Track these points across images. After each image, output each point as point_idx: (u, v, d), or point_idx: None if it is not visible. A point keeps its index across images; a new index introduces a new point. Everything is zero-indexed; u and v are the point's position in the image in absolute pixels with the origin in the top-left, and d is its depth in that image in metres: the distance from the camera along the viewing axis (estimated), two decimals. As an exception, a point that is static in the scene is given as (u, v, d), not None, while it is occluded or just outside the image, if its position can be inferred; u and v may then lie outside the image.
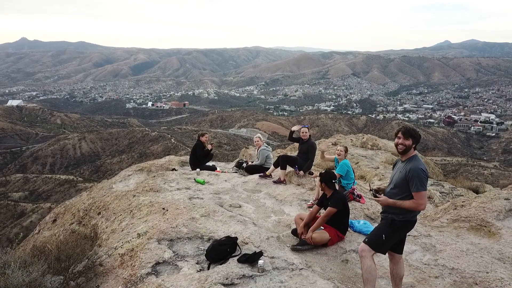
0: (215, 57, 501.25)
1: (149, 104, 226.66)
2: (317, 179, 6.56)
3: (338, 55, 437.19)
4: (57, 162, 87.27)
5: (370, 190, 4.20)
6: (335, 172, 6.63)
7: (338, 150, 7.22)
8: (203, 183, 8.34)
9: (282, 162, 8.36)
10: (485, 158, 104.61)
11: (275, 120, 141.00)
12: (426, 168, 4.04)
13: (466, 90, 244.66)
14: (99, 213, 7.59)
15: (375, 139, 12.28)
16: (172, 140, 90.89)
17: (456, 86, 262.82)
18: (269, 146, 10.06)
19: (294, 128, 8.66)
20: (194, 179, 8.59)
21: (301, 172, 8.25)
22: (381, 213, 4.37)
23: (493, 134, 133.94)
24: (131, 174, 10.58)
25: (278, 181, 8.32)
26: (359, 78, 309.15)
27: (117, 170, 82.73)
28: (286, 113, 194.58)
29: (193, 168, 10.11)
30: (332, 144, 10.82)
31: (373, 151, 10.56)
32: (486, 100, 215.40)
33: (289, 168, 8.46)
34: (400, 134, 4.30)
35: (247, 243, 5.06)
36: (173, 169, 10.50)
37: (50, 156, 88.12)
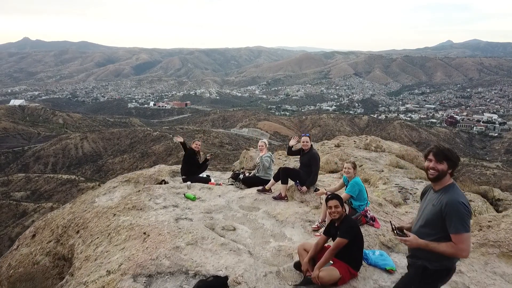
0: (217, 57, 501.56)
1: (151, 103, 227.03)
2: (323, 197, 5.95)
3: (340, 55, 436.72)
4: (59, 162, 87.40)
5: (393, 230, 3.30)
6: (345, 192, 5.99)
7: (346, 168, 6.17)
8: (193, 199, 7.46)
9: (283, 175, 7.48)
10: (487, 158, 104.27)
11: (276, 120, 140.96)
12: (468, 201, 3.11)
13: (468, 90, 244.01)
14: (77, 232, 6.93)
15: (378, 141, 11.77)
16: (174, 139, 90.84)
17: (458, 86, 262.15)
18: (272, 155, 9.06)
19: (292, 142, 7.84)
20: (184, 194, 7.69)
21: (304, 188, 7.35)
22: (408, 257, 3.44)
23: (496, 134, 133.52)
24: (116, 186, 9.63)
25: (279, 197, 7.48)
26: (361, 78, 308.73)
27: (119, 170, 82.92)
28: (288, 113, 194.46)
29: (185, 180, 9.27)
30: (335, 146, 10.24)
31: (377, 154, 9.92)
32: (488, 100, 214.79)
33: (291, 182, 7.65)
34: (431, 156, 3.21)
35: (239, 283, 4.31)
36: (163, 181, 9.63)
37: (52, 156, 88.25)
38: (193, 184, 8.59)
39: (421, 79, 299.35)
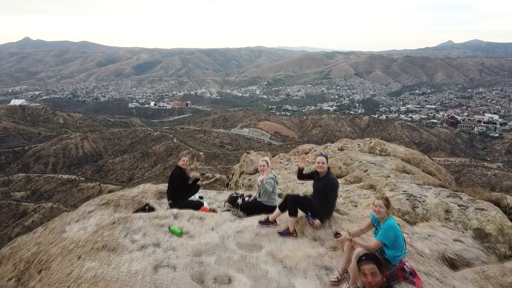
0: (218, 57, 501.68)
1: (152, 103, 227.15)
2: (347, 244, 4.71)
3: (341, 55, 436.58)
4: (59, 162, 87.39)
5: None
6: (375, 238, 4.60)
7: (376, 206, 4.59)
8: (180, 234, 6.02)
9: (291, 205, 6.07)
10: (488, 159, 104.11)
11: (277, 120, 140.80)
12: None
13: (469, 90, 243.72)
14: (39, 272, 5.72)
15: (383, 144, 11.26)
16: (174, 139, 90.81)
17: (459, 86, 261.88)
18: (276, 177, 7.41)
19: (301, 165, 6.51)
20: (169, 228, 6.19)
21: (318, 222, 5.94)
22: None
23: (497, 135, 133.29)
24: (92, 211, 8.14)
25: (286, 233, 6.04)
26: (362, 78, 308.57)
27: (119, 170, 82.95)
28: (288, 113, 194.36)
29: (171, 205, 7.64)
30: (339, 150, 9.63)
31: (382, 158, 9.38)
32: (489, 100, 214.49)
33: (300, 213, 6.21)
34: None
35: None
36: (146, 205, 8.13)
37: (53, 156, 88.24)
38: (181, 211, 7.03)
39: (422, 80, 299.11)
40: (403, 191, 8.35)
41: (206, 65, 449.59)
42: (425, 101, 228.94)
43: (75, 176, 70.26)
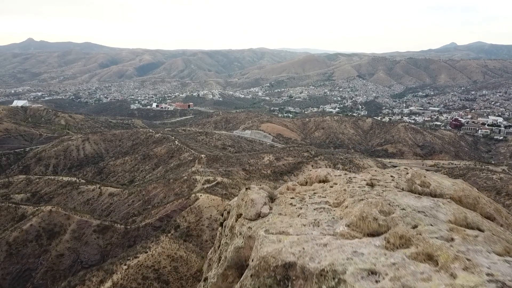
0: (220, 58, 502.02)
1: (154, 105, 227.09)
2: None
3: (344, 56, 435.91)
4: (60, 163, 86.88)
5: None
6: None
7: None
8: None
9: None
10: (493, 162, 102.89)
11: (280, 122, 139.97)
12: None
13: (473, 92, 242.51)
14: None
15: (423, 176, 7.05)
16: (176, 142, 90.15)
17: (462, 88, 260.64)
18: None
19: None
20: None
21: None
22: None
23: (501, 138, 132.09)
24: None
25: None
26: (365, 80, 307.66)
27: (120, 172, 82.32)
28: (291, 115, 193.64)
29: None
30: (368, 185, 6.70)
31: (430, 201, 5.90)
32: (493, 102, 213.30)
33: None
34: None
35: None
36: None
37: (54, 157, 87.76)
38: None
39: (425, 82, 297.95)
40: (487, 274, 4.40)
41: (209, 66, 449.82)
42: (428, 103, 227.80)
43: (75, 178, 69.63)
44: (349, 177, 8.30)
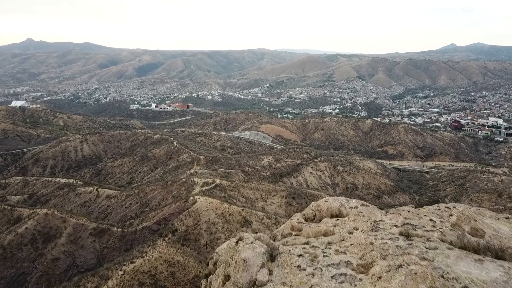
0: (220, 59, 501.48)
1: (153, 105, 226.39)
2: None
3: (343, 57, 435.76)
4: (58, 165, 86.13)
5: None
6: None
7: None
8: None
9: None
10: (493, 164, 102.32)
11: (279, 123, 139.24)
12: None
13: (472, 93, 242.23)
14: None
15: (473, 219, 6.24)
16: (175, 143, 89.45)
17: (462, 89, 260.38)
18: None
19: None
20: None
21: None
22: None
23: (501, 139, 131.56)
24: None
25: None
26: (364, 80, 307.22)
27: (118, 174, 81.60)
28: (290, 116, 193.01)
29: None
30: (401, 235, 6.25)
31: (499, 268, 5.26)
32: (493, 104, 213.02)
33: None
34: None
35: None
36: None
37: (51, 159, 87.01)
38: None
39: (425, 83, 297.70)
40: None
41: (209, 67, 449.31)
42: (428, 104, 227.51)
43: (72, 180, 68.87)
44: (375, 222, 5.90)
